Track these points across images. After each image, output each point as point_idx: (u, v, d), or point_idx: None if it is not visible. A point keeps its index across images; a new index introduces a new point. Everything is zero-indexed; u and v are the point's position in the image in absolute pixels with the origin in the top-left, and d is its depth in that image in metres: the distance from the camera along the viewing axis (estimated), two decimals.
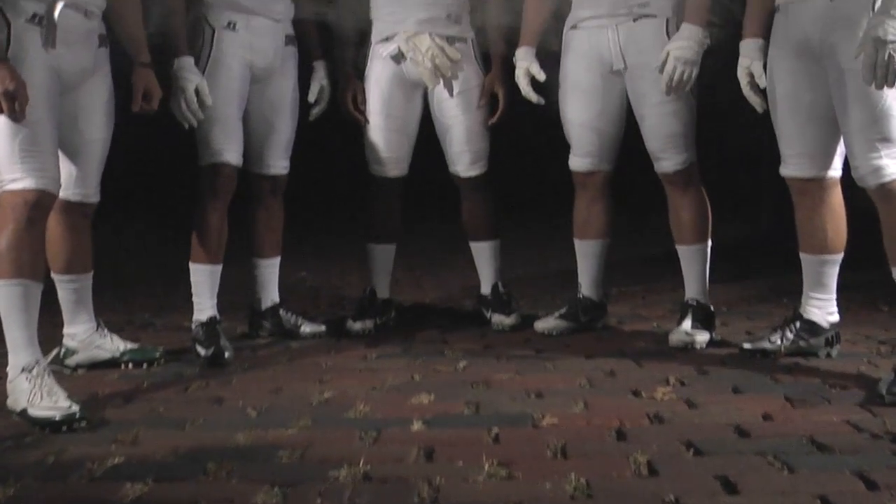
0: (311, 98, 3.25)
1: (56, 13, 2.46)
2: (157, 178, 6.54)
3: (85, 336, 2.89)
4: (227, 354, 2.93)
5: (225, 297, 3.15)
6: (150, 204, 6.94)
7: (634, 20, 2.92)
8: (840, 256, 2.75)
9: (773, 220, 6.03)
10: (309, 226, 6.46)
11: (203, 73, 2.90)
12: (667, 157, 2.98)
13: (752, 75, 2.67)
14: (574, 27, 3.03)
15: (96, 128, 2.70)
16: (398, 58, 3.18)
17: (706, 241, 3.06)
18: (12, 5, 2.43)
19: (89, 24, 2.59)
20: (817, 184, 2.68)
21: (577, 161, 3.14)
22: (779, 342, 2.78)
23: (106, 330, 2.95)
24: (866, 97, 2.37)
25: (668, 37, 2.88)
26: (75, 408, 2.27)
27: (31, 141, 2.41)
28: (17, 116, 2.36)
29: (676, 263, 3.13)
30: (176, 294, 3.28)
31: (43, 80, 2.45)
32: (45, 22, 2.46)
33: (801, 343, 2.77)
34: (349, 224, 4.65)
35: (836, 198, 2.71)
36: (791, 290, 3.42)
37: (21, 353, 2.36)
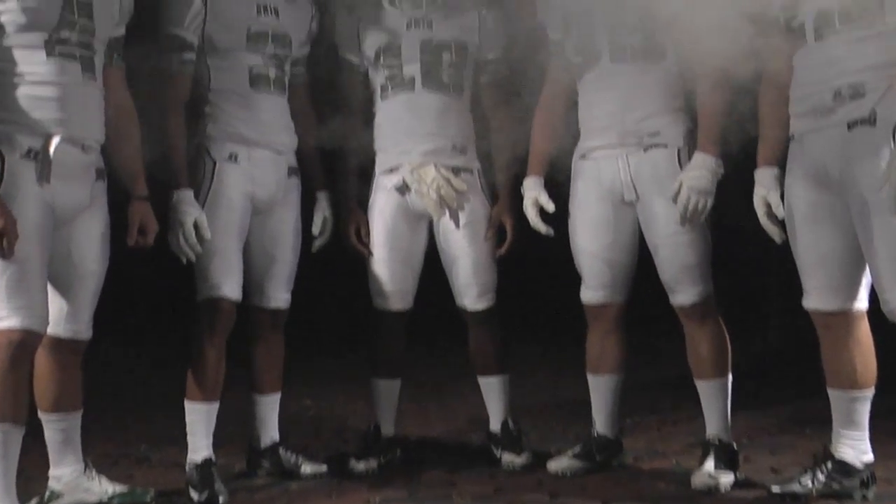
0: (315, 230, 3.17)
1: (52, 148, 2.44)
2: (157, 309, 6.47)
3: (71, 478, 2.74)
4: (221, 500, 2.79)
5: (223, 430, 3.02)
6: (150, 333, 6.87)
7: (645, 150, 2.86)
8: (871, 392, 2.61)
9: (782, 339, 5.91)
10: (313, 351, 6.35)
11: (203, 205, 2.85)
12: (682, 290, 2.88)
13: (769, 205, 2.60)
14: (583, 157, 2.97)
15: (90, 262, 2.64)
16: (403, 189, 3.12)
17: (726, 375, 2.92)
18: (7, 140, 2.42)
19: (86, 159, 2.56)
20: (843, 317, 2.56)
21: (590, 293, 3.03)
22: (810, 484, 2.61)
23: (94, 471, 2.81)
24: (893, 229, 2.29)
25: (681, 166, 2.81)
26: None
27: (18, 278, 2.36)
28: (4, 253, 2.31)
29: (691, 389, 2.98)
30: (175, 424, 3.18)
31: (35, 215, 2.41)
32: (40, 157, 2.43)
33: (834, 485, 2.60)
34: (354, 349, 4.54)
35: (864, 330, 2.59)
36: (812, 418, 3.28)
37: None
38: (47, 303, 2.44)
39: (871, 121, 2.34)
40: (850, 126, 2.38)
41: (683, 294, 2.88)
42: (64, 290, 2.61)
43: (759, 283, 6.06)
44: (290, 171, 3.06)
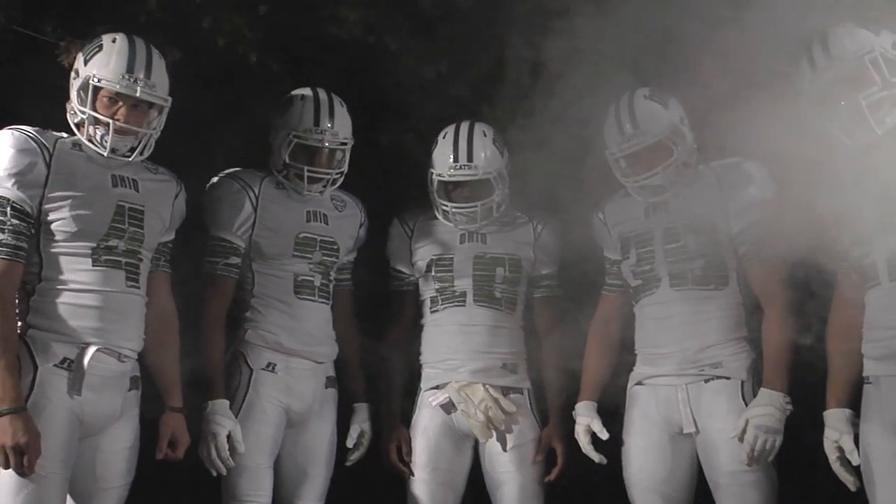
0: (350, 443, 2.98)
1: (86, 359, 2.35)
2: None
3: None
4: None
5: None
6: None
7: (706, 381, 2.69)
8: None
9: None
10: None
11: (236, 415, 2.72)
12: None
13: (841, 450, 2.41)
14: (640, 383, 2.81)
15: (114, 476, 2.49)
16: (448, 407, 2.95)
17: None
18: (43, 349, 2.34)
19: (122, 368, 2.46)
20: None
21: None
22: None
23: None
24: None
25: (744, 401, 2.64)
26: None
27: (36, 498, 2.24)
28: (24, 472, 2.19)
29: None
30: None
31: (62, 429, 2.31)
32: (74, 367, 2.34)
33: None
34: None
35: None
36: None
37: None
38: None
39: None
40: None
41: None
42: (83, 503, 2.45)
43: None
44: (328, 382, 2.92)
